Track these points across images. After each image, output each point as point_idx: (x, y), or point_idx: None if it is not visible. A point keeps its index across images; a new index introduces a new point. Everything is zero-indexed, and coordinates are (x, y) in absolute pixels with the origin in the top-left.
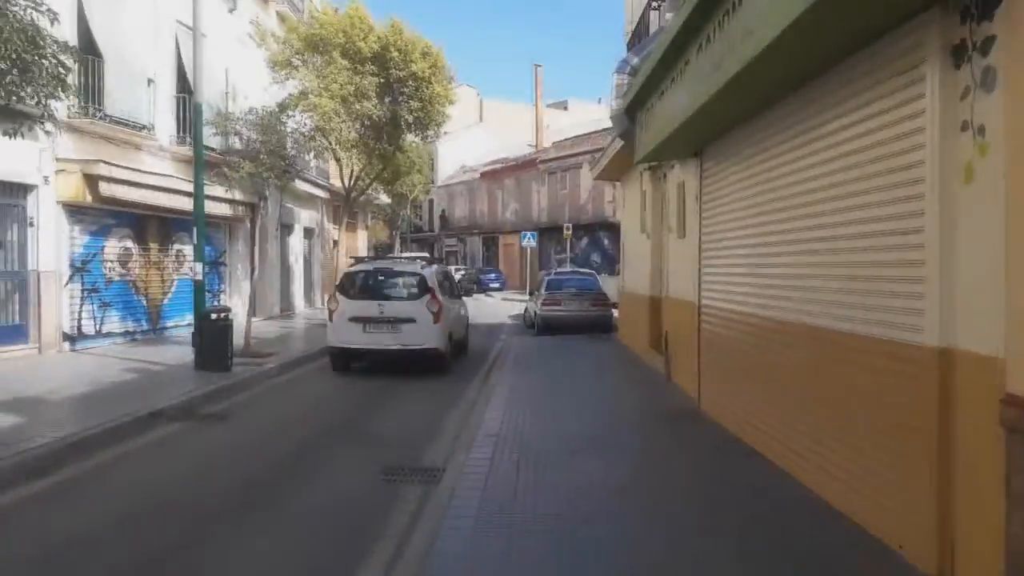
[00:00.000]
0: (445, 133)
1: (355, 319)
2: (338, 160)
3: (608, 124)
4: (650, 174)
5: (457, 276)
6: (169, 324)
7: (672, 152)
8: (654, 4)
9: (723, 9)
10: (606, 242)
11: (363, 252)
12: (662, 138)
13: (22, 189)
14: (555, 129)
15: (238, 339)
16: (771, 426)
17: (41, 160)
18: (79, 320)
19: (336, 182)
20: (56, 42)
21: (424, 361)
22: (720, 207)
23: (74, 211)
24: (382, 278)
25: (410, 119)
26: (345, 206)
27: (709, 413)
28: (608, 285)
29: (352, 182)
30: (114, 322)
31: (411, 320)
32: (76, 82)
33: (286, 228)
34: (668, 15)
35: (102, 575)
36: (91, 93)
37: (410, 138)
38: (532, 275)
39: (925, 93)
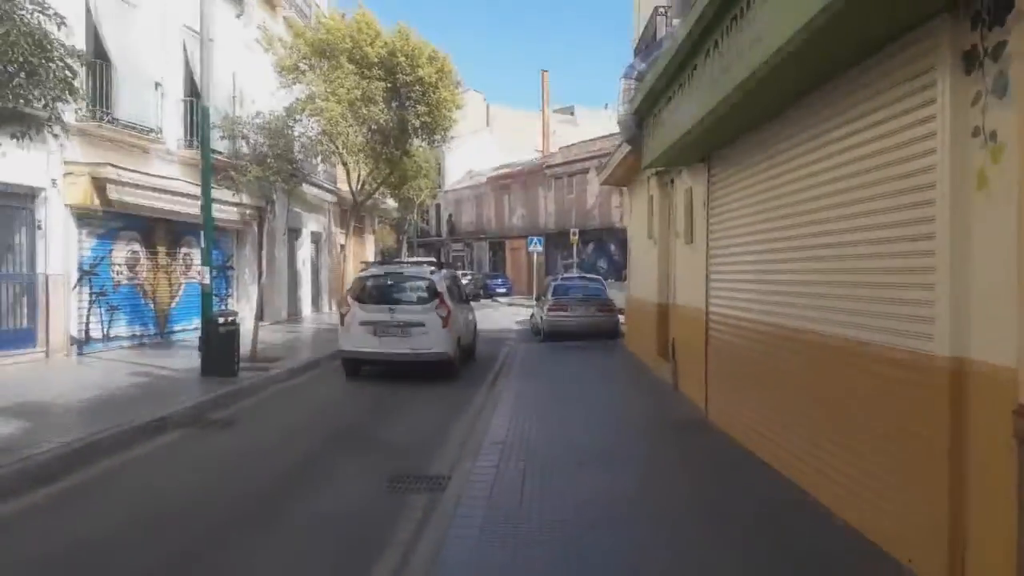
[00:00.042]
0: (452, 138)
1: (366, 324)
2: (345, 165)
3: (615, 130)
4: (657, 180)
5: (463, 281)
6: (177, 329)
7: (680, 158)
8: (661, 10)
9: (731, 15)
10: (613, 248)
11: (370, 257)
12: (669, 144)
13: (30, 193)
14: (562, 135)
15: (245, 344)
16: (778, 435)
17: (49, 164)
18: (87, 324)
19: (343, 187)
20: (63, 46)
21: (433, 367)
22: (728, 213)
23: (82, 215)
24: (393, 283)
25: (417, 124)
26: (352, 211)
27: (716, 422)
28: (615, 291)
29: (359, 187)
30: (121, 326)
31: (421, 325)
32: (85, 86)
33: (293, 233)
34: (675, 21)
35: None
36: (99, 97)
37: (417, 143)
38: (539, 281)
39: (936, 99)
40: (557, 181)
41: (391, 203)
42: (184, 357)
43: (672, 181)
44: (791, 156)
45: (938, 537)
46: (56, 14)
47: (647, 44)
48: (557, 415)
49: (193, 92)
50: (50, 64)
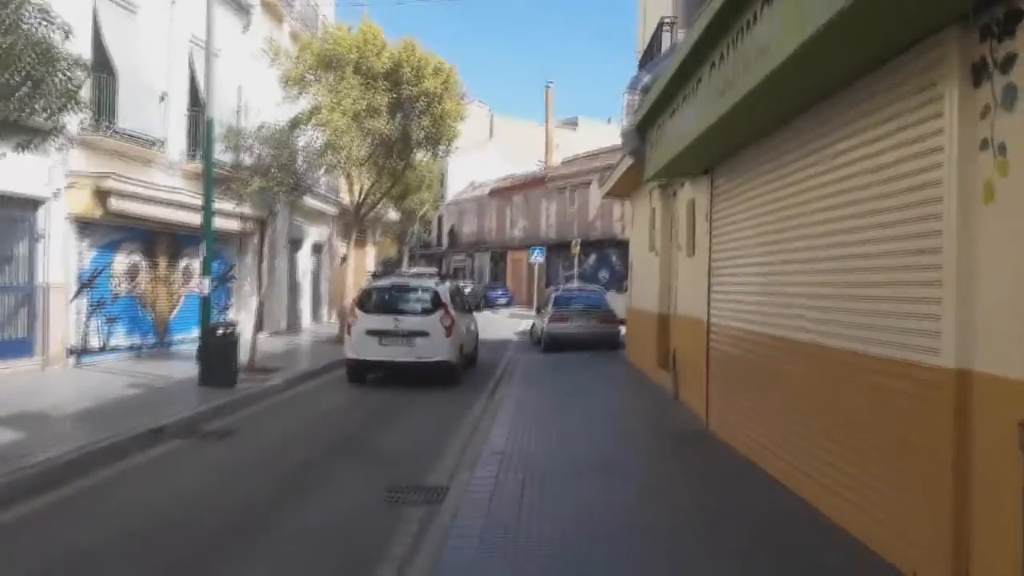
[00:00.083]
0: (455, 150)
1: (372, 332)
2: (348, 176)
3: (617, 142)
4: (660, 192)
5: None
6: (176, 339)
7: (683, 170)
8: (666, 23)
9: (737, 27)
10: (614, 259)
11: (371, 268)
12: (673, 156)
13: (31, 203)
14: (563, 143)
15: (244, 355)
16: (780, 446)
17: (51, 174)
18: (85, 334)
19: (346, 198)
20: (68, 57)
21: (436, 373)
22: (731, 225)
23: (83, 225)
24: (398, 294)
25: (421, 136)
26: (354, 222)
27: (717, 433)
28: (616, 302)
29: (362, 198)
30: (120, 337)
31: (425, 334)
32: (89, 97)
33: (295, 244)
34: (680, 34)
35: None
36: (104, 108)
37: (420, 155)
38: (539, 291)
39: (944, 112)
40: (559, 192)
41: (393, 215)
42: (182, 367)
43: (674, 193)
44: (796, 168)
45: (943, 548)
46: (62, 25)
47: (652, 57)
48: (557, 425)
49: (198, 104)
50: (55, 75)
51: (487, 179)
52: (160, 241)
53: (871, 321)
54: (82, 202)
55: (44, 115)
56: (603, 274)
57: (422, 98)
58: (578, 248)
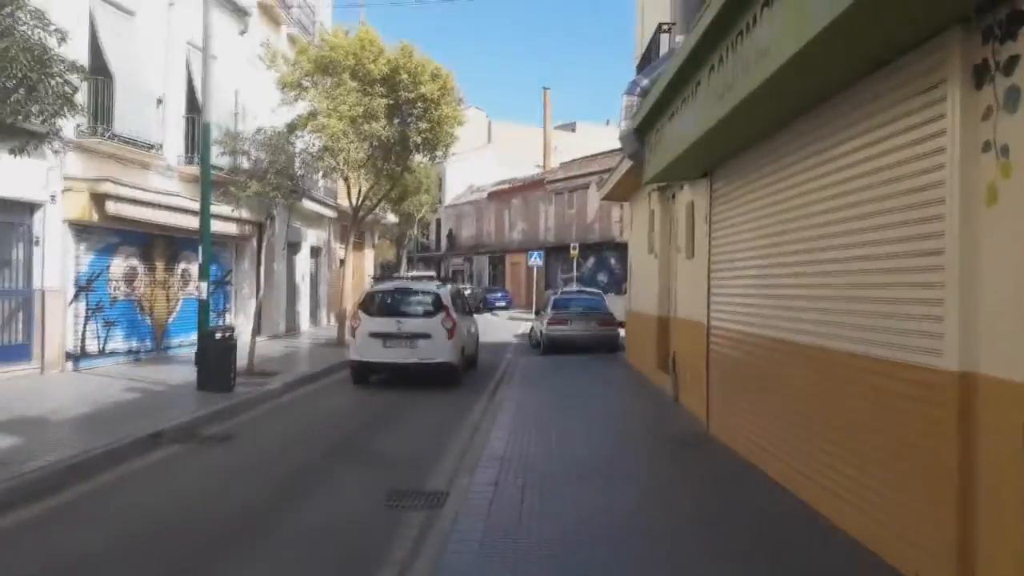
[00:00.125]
0: (453, 154)
1: (375, 335)
2: (346, 180)
3: (616, 145)
4: (659, 195)
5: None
6: (174, 343)
7: (682, 173)
8: (665, 27)
9: (737, 30)
10: (613, 262)
11: (370, 271)
12: (672, 159)
13: (28, 207)
14: (562, 146)
15: (242, 358)
16: (781, 448)
17: (48, 179)
18: (83, 339)
19: (343, 201)
20: (63, 61)
21: (439, 374)
22: (730, 228)
23: (80, 230)
24: (400, 297)
25: (418, 140)
26: (352, 225)
27: (718, 435)
28: (615, 305)
29: (360, 201)
30: (118, 341)
31: (427, 336)
32: (85, 101)
33: (293, 247)
34: (679, 38)
35: None
36: (100, 112)
37: (418, 158)
38: (538, 294)
39: (946, 113)
40: (558, 196)
41: (391, 218)
42: (180, 371)
43: (673, 196)
44: (796, 171)
45: (947, 551)
46: (57, 29)
47: (650, 61)
48: (557, 427)
49: (195, 108)
50: (50, 80)
51: (485, 183)
52: (158, 245)
53: (872, 323)
54: (79, 206)
55: (39, 119)
56: (602, 277)
57: (419, 102)
58: (577, 251)
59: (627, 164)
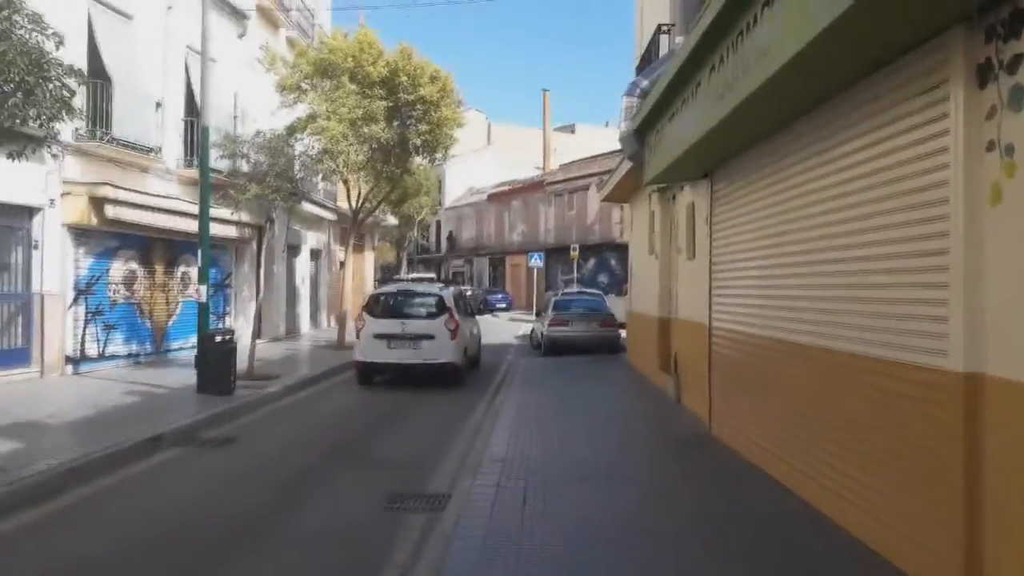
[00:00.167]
0: (453, 156)
1: (380, 336)
2: (346, 182)
3: (615, 147)
4: (659, 195)
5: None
6: (174, 346)
7: (682, 174)
8: (664, 28)
9: (737, 30)
10: (613, 263)
11: (370, 274)
12: (672, 160)
13: (27, 211)
14: (561, 148)
15: (242, 361)
16: (784, 450)
17: (47, 183)
18: (82, 343)
19: (343, 204)
20: (61, 65)
21: (442, 374)
22: (732, 229)
23: (79, 233)
24: (404, 299)
25: (418, 142)
26: (352, 227)
27: (720, 436)
28: (615, 306)
29: (359, 204)
30: (118, 344)
31: (431, 337)
32: (84, 105)
33: (292, 250)
34: (678, 39)
35: None
36: (99, 116)
37: (418, 161)
38: (539, 296)
39: (949, 113)
40: (557, 197)
41: (391, 220)
42: (180, 375)
43: (674, 197)
44: (798, 171)
45: (953, 553)
46: (54, 33)
47: (649, 62)
48: (558, 429)
49: (194, 111)
50: (47, 84)
51: (485, 185)
52: (157, 248)
53: (875, 323)
54: (78, 210)
55: (37, 123)
56: (602, 278)
57: (419, 105)
58: (577, 253)
59: (627, 165)
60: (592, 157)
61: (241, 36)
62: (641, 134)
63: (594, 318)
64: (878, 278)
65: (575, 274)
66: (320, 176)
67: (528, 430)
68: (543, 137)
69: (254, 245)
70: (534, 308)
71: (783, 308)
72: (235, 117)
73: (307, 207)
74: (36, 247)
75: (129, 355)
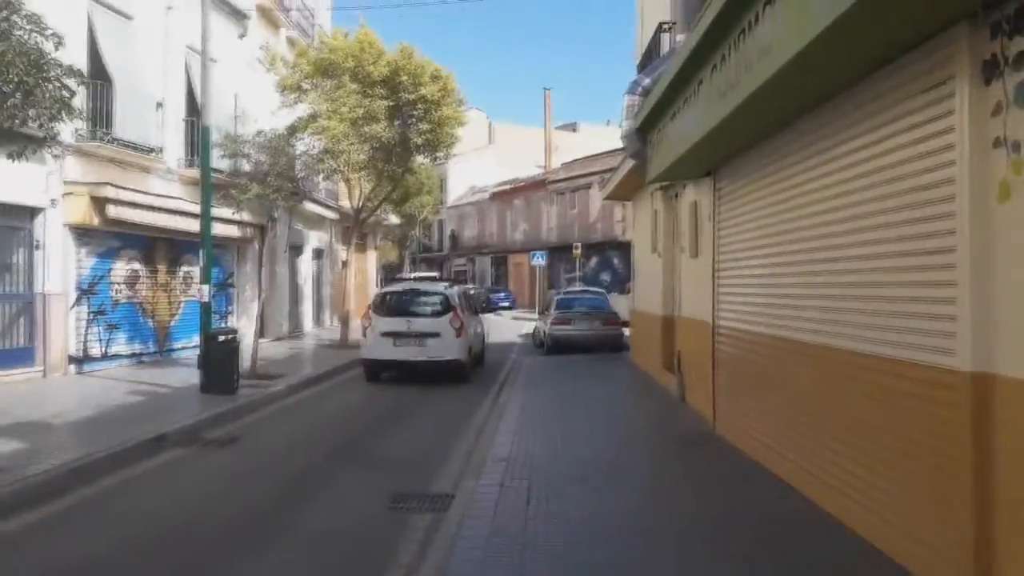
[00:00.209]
0: (455, 155)
1: (386, 334)
2: (347, 182)
3: (617, 145)
4: (662, 194)
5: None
6: (177, 346)
7: (685, 172)
8: (665, 26)
9: (739, 28)
10: (616, 261)
11: (373, 273)
12: (675, 158)
13: (29, 212)
14: (563, 146)
15: (245, 361)
16: (789, 449)
17: (48, 183)
18: (85, 342)
19: (345, 203)
20: (60, 65)
21: (448, 371)
22: (735, 227)
23: (81, 233)
24: (410, 298)
25: (419, 141)
26: (355, 227)
27: (724, 435)
28: (618, 304)
29: (361, 203)
30: (121, 344)
31: (436, 335)
32: (85, 106)
33: (295, 249)
34: (680, 37)
35: None
36: (100, 116)
37: (419, 160)
38: (542, 294)
39: (954, 109)
40: (560, 196)
41: (394, 219)
42: (183, 374)
43: (676, 195)
44: (801, 169)
45: (962, 554)
46: (54, 34)
47: (651, 60)
48: (562, 428)
49: (195, 111)
50: (46, 84)
51: (487, 183)
52: (159, 248)
53: (881, 322)
54: (79, 210)
55: (36, 124)
56: (605, 276)
57: (420, 104)
58: (580, 251)
59: (629, 164)
60: (594, 156)
61: (241, 36)
62: (643, 132)
63: (597, 316)
64: (882, 276)
65: (578, 272)
66: (322, 176)
67: (532, 429)
68: (545, 136)
69: (256, 245)
70: (537, 307)
71: (787, 306)
72: (236, 117)
73: (309, 207)
74: (38, 247)
75: (132, 355)
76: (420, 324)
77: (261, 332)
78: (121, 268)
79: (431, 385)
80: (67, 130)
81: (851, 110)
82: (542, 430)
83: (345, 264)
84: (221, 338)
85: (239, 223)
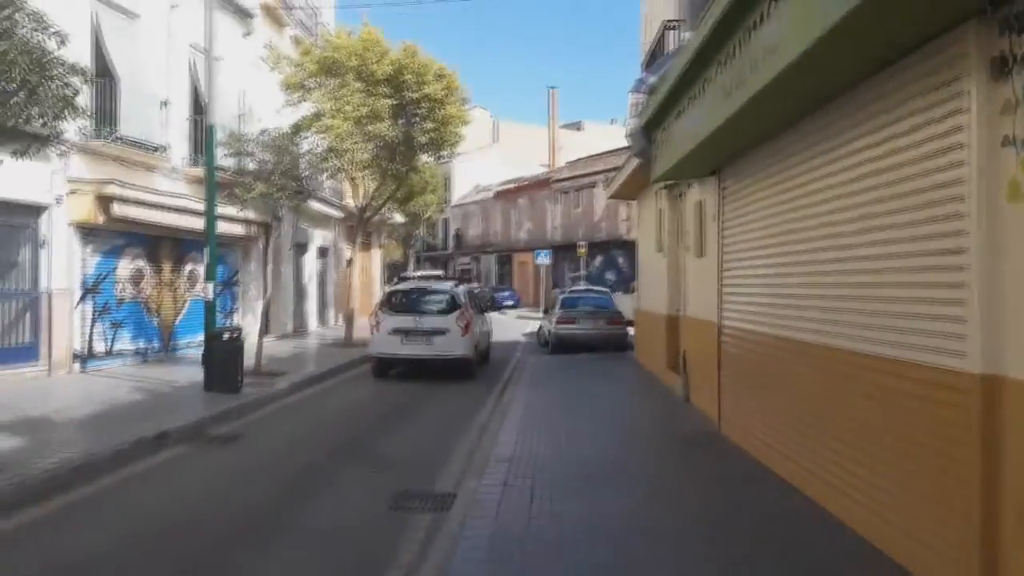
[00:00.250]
0: (459, 154)
1: (395, 331)
2: (352, 180)
3: (622, 144)
4: (667, 193)
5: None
6: (181, 344)
7: (690, 171)
8: (671, 24)
9: (745, 27)
10: (620, 260)
11: (377, 271)
12: (680, 157)
13: (34, 210)
14: (568, 145)
15: (249, 359)
16: (794, 450)
17: (53, 181)
18: (90, 340)
19: (350, 202)
20: (64, 64)
21: (454, 368)
22: (741, 226)
23: (86, 232)
24: (418, 296)
25: (424, 140)
26: (359, 225)
27: (729, 435)
28: (623, 303)
29: (366, 202)
30: (125, 342)
31: (444, 332)
32: (90, 104)
33: (300, 248)
34: (685, 35)
35: None
36: (105, 115)
37: (424, 159)
38: (546, 293)
39: (963, 108)
40: (564, 195)
41: (398, 218)
42: (187, 372)
43: (682, 194)
44: (808, 168)
45: (968, 557)
46: (57, 32)
47: (656, 59)
48: (566, 428)
49: (199, 110)
50: (50, 82)
51: (491, 182)
52: (164, 246)
53: (889, 323)
54: (84, 208)
55: (40, 122)
56: (609, 275)
57: (424, 102)
58: (584, 250)
59: (634, 162)
60: (599, 154)
61: (246, 35)
62: (648, 131)
63: (601, 316)
64: (892, 277)
65: (582, 271)
66: (326, 174)
67: (535, 428)
68: (550, 135)
69: (261, 243)
70: (541, 306)
71: (792, 307)
72: (240, 116)
73: (313, 205)
74: (43, 245)
75: (136, 352)
76: (428, 321)
77: (265, 330)
78: (126, 266)
79: (434, 383)
80: (72, 128)
81: (860, 108)
82: (546, 429)
83: (349, 263)
84: (225, 336)
85: (244, 221)
